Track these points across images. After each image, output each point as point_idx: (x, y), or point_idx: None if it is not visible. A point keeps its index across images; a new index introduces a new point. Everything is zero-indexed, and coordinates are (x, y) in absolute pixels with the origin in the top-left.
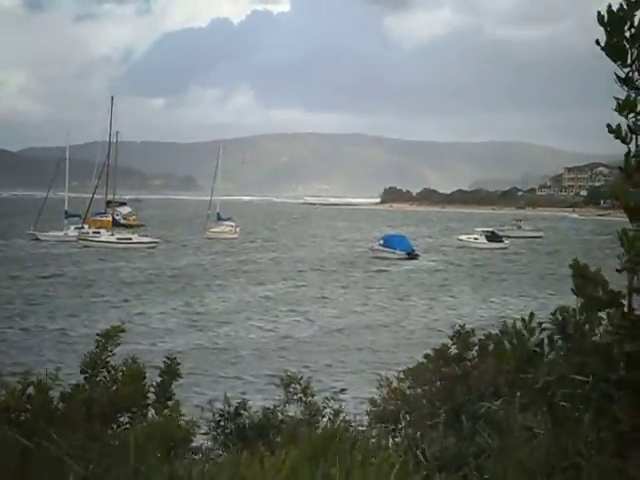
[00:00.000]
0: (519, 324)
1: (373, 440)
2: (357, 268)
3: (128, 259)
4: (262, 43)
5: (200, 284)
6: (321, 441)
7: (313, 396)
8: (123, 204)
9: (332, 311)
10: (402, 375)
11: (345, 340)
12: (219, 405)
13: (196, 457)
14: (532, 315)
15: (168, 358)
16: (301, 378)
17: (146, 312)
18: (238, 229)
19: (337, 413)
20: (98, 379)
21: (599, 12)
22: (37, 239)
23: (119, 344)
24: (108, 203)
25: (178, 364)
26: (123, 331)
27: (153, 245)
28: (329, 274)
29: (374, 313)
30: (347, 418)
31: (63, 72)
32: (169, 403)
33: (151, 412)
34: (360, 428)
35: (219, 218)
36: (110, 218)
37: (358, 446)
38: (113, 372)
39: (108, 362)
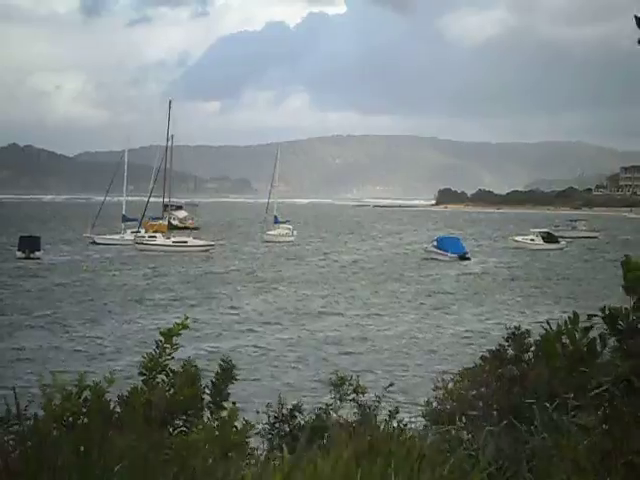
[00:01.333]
0: (569, 323)
1: (429, 441)
2: (408, 271)
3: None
4: (317, 45)
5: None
6: (376, 442)
7: (364, 394)
8: (179, 208)
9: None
10: (459, 377)
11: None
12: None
13: (251, 460)
14: (576, 315)
15: (224, 360)
16: (351, 378)
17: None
18: (295, 232)
19: (393, 414)
20: (156, 382)
21: (636, 16)
22: (94, 242)
23: (177, 347)
24: (165, 207)
25: (234, 366)
26: (186, 327)
27: (209, 248)
28: (378, 276)
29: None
30: (403, 419)
31: (119, 77)
32: (225, 405)
33: (207, 415)
34: (416, 429)
35: (276, 221)
36: (166, 222)
37: (414, 447)
38: (171, 375)
39: (167, 365)
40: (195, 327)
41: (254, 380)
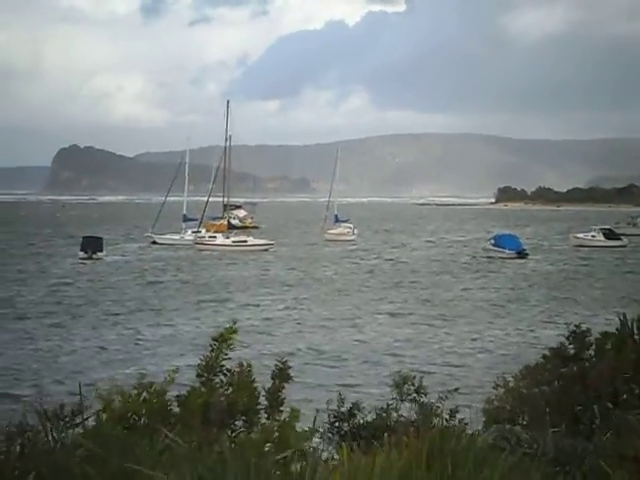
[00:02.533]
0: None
1: (490, 440)
2: (462, 270)
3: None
4: (376, 44)
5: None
6: (437, 441)
7: (426, 395)
8: (238, 207)
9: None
10: (519, 375)
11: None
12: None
13: (311, 459)
14: None
15: (279, 361)
16: (414, 377)
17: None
18: (356, 230)
19: (453, 413)
20: (214, 382)
21: None
22: (154, 242)
23: (232, 347)
24: (225, 207)
25: (289, 367)
26: (235, 332)
27: (268, 247)
28: (438, 275)
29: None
30: (463, 418)
31: (179, 77)
32: (282, 407)
33: (264, 416)
34: (475, 428)
35: (337, 220)
36: (226, 221)
37: (474, 446)
38: (229, 375)
39: (223, 365)
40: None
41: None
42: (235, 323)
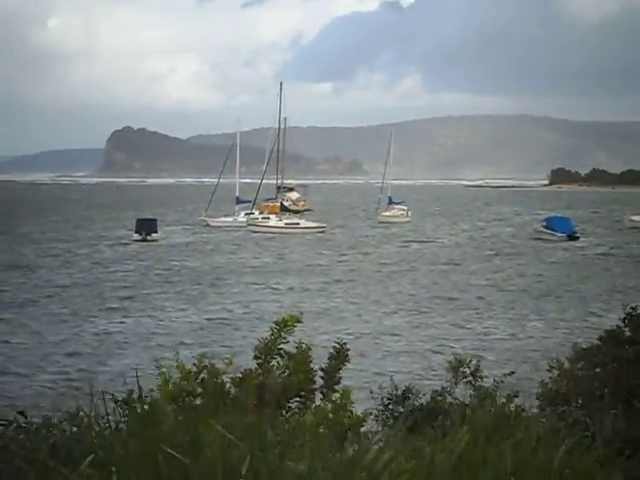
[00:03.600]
0: None
1: (544, 422)
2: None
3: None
4: (430, 26)
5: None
6: (493, 423)
7: (482, 379)
8: (291, 189)
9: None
10: (574, 357)
11: None
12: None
13: (366, 441)
14: None
15: (338, 343)
16: (470, 361)
17: None
18: (410, 213)
19: (510, 397)
20: (271, 364)
21: None
22: (208, 225)
23: (291, 332)
24: (278, 189)
25: (348, 349)
26: (299, 321)
27: (321, 230)
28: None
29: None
30: (520, 402)
31: (232, 59)
32: (337, 388)
33: (319, 397)
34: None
35: (390, 202)
36: (279, 203)
37: (531, 428)
38: (286, 358)
39: (281, 348)
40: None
41: None
42: (302, 313)
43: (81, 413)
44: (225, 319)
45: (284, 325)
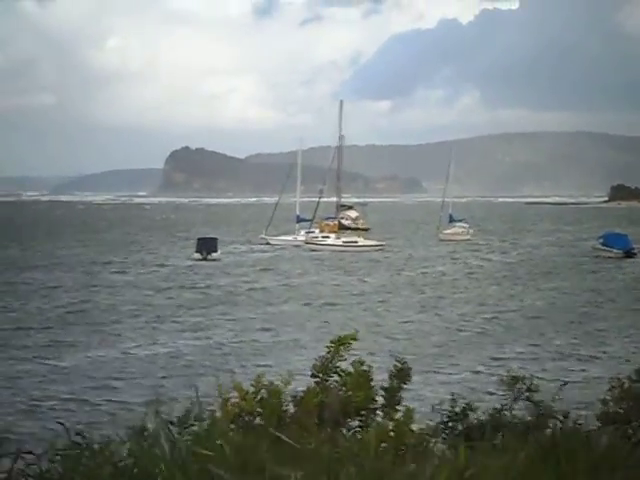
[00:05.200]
0: None
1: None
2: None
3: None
4: (489, 42)
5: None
6: (550, 442)
7: (536, 392)
8: (350, 208)
9: None
10: (635, 376)
11: None
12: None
13: (427, 458)
14: None
15: (398, 361)
16: (524, 377)
17: None
18: (471, 230)
19: (566, 415)
20: (329, 383)
21: None
22: (268, 243)
23: (348, 350)
24: (338, 207)
25: (410, 368)
26: (355, 339)
27: (379, 248)
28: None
29: None
30: (578, 419)
31: (290, 77)
32: (398, 407)
33: (380, 416)
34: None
35: (451, 219)
36: (342, 222)
37: (591, 446)
38: (344, 376)
39: (338, 367)
40: None
41: None
42: (357, 333)
43: (145, 433)
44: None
45: (340, 344)
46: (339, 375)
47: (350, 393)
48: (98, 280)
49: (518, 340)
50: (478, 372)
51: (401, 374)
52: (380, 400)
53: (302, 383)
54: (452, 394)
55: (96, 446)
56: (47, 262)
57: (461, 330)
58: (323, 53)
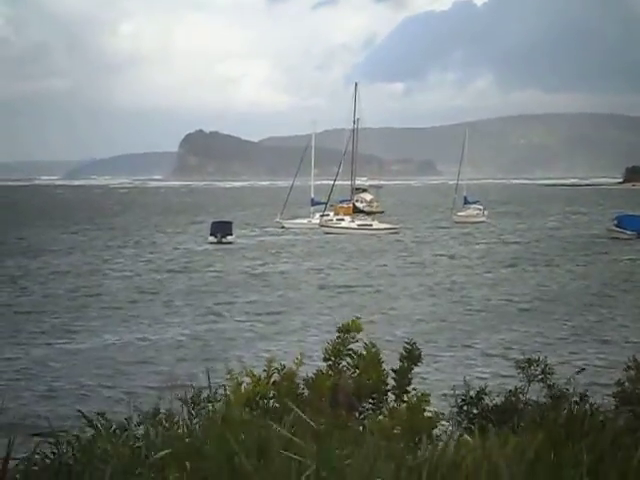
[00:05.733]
0: None
1: (621, 423)
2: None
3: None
4: (504, 24)
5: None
6: (567, 424)
7: (551, 374)
8: (365, 191)
9: None
10: None
11: None
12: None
13: (440, 442)
14: None
15: (408, 343)
16: (539, 359)
17: None
18: (486, 212)
19: (583, 397)
20: (341, 366)
21: None
22: (283, 227)
23: (361, 331)
24: (353, 190)
25: (418, 349)
26: (360, 329)
27: (394, 231)
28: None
29: None
30: (594, 401)
31: (303, 61)
32: (409, 389)
33: (391, 398)
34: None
35: (466, 202)
36: (357, 205)
37: (607, 428)
38: (356, 358)
39: (351, 349)
40: None
41: None
42: (359, 318)
43: (159, 416)
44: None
45: (347, 331)
46: (351, 357)
47: (362, 375)
48: (112, 264)
49: (530, 322)
50: (491, 355)
51: (411, 356)
52: (391, 382)
53: (313, 368)
54: (464, 378)
55: (112, 428)
56: (63, 246)
57: (471, 313)
58: (336, 36)
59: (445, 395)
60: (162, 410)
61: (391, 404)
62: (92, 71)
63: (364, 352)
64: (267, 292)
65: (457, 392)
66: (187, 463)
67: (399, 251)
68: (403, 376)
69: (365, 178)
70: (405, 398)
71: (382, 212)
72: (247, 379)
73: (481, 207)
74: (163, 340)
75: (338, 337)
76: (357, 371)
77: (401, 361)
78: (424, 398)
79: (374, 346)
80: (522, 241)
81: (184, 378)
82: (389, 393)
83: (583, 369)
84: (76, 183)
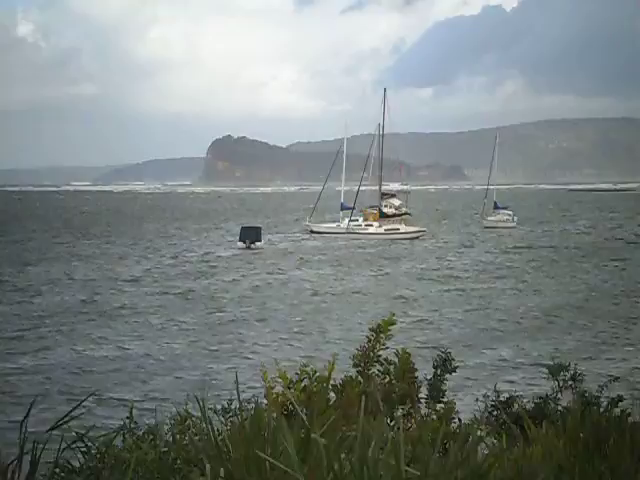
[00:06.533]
0: None
1: None
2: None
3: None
4: (534, 28)
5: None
6: (594, 430)
7: (581, 382)
8: (393, 196)
9: None
10: None
11: None
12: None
13: (471, 448)
14: None
15: (442, 351)
16: (569, 365)
17: None
18: (516, 217)
19: (615, 402)
20: (371, 372)
21: None
22: (312, 231)
23: (391, 336)
24: (382, 195)
25: (452, 359)
26: (393, 324)
27: (421, 234)
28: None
29: None
30: (627, 409)
31: (332, 66)
32: (442, 398)
33: (423, 406)
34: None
35: (496, 207)
36: (384, 210)
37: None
38: (386, 365)
39: (380, 355)
40: None
41: None
42: (393, 315)
43: (188, 421)
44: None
45: (380, 331)
46: (381, 364)
47: (394, 382)
48: (145, 270)
49: (559, 329)
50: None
51: (445, 364)
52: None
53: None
54: (495, 384)
55: (140, 432)
56: (98, 251)
57: (504, 320)
58: (365, 40)
59: (477, 400)
60: (192, 414)
61: (422, 411)
62: (121, 76)
63: (395, 359)
64: (294, 297)
65: (488, 397)
66: (214, 467)
67: (426, 255)
68: (437, 386)
69: (398, 183)
70: (437, 406)
71: (409, 214)
72: (279, 382)
73: (511, 212)
74: (195, 346)
75: (369, 341)
76: (388, 377)
77: (434, 369)
78: (452, 405)
79: (407, 353)
80: (552, 246)
81: (214, 383)
82: (421, 401)
83: (617, 378)
84: (107, 188)
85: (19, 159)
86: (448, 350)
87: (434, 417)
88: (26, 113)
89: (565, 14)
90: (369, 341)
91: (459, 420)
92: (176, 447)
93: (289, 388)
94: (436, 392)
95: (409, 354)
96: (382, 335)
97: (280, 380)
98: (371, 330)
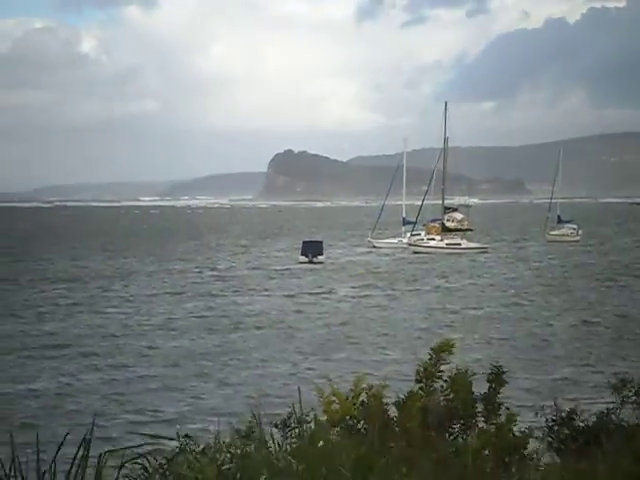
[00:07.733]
0: None
1: None
2: None
3: None
4: (597, 41)
5: None
6: None
7: None
8: (455, 210)
9: None
10: None
11: None
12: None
13: (530, 463)
14: None
15: (495, 366)
16: (632, 381)
17: None
18: (580, 231)
19: None
20: (432, 388)
21: None
22: (374, 246)
23: (452, 353)
24: (445, 209)
25: (504, 372)
26: (453, 346)
27: (483, 251)
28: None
29: None
30: None
31: (392, 79)
32: (499, 412)
33: (481, 420)
34: None
35: (559, 221)
36: (447, 224)
37: None
38: (448, 381)
39: (442, 371)
40: None
41: None
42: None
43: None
44: None
45: (440, 351)
46: (443, 380)
47: (452, 398)
48: (204, 284)
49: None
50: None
51: (498, 379)
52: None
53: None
54: (555, 398)
55: (200, 448)
56: (164, 267)
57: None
58: (426, 54)
59: (537, 414)
60: (253, 431)
61: (480, 424)
62: (183, 92)
63: (454, 375)
64: (359, 314)
65: (547, 411)
66: None
67: (487, 270)
68: (491, 399)
69: (466, 197)
70: (495, 420)
71: (471, 230)
72: (335, 399)
73: (575, 226)
74: (260, 362)
75: (430, 359)
76: (448, 393)
77: (489, 383)
78: (511, 417)
79: (467, 372)
80: (621, 261)
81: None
82: (479, 415)
83: None
84: (168, 204)
85: (87, 174)
86: (499, 364)
87: (492, 430)
88: (93, 129)
89: (627, 27)
90: (430, 358)
91: (519, 433)
92: (236, 463)
93: (354, 404)
94: (492, 407)
95: (467, 370)
96: (442, 354)
97: (335, 398)
98: (432, 350)
